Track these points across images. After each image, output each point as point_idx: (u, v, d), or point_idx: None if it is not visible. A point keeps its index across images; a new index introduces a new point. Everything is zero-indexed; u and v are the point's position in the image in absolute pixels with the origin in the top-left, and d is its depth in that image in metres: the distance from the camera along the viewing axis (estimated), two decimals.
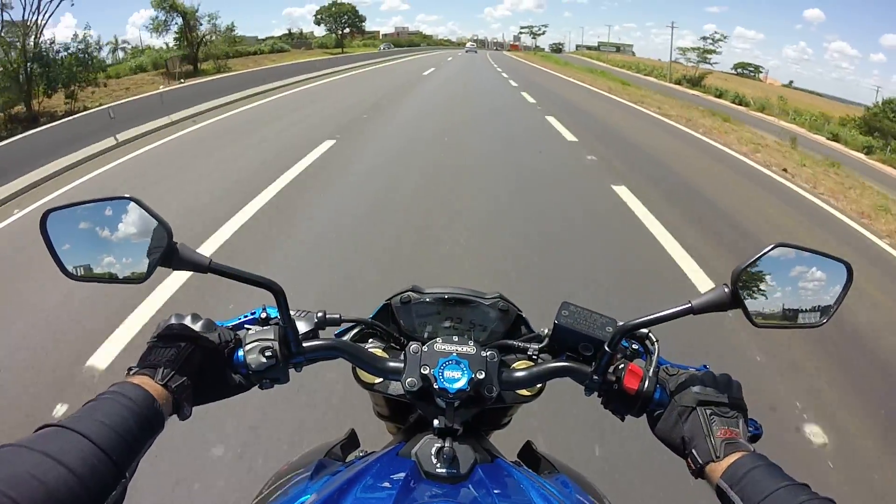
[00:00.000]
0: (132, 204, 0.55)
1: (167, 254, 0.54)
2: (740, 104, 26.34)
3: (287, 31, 61.27)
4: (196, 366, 0.56)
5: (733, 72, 54.91)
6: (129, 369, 0.55)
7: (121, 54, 27.92)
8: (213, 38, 27.09)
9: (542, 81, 21.91)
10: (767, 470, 0.49)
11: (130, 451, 0.46)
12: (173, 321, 0.59)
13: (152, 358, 0.55)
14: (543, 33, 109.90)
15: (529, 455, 0.77)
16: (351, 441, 0.78)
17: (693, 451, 0.55)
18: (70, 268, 0.56)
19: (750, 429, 0.58)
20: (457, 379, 0.59)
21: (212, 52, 26.53)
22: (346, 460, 0.72)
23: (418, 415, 0.69)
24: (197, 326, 0.59)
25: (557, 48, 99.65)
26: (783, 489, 0.47)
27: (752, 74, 55.36)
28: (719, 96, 28.90)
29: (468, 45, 79.21)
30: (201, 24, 26.31)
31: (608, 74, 28.12)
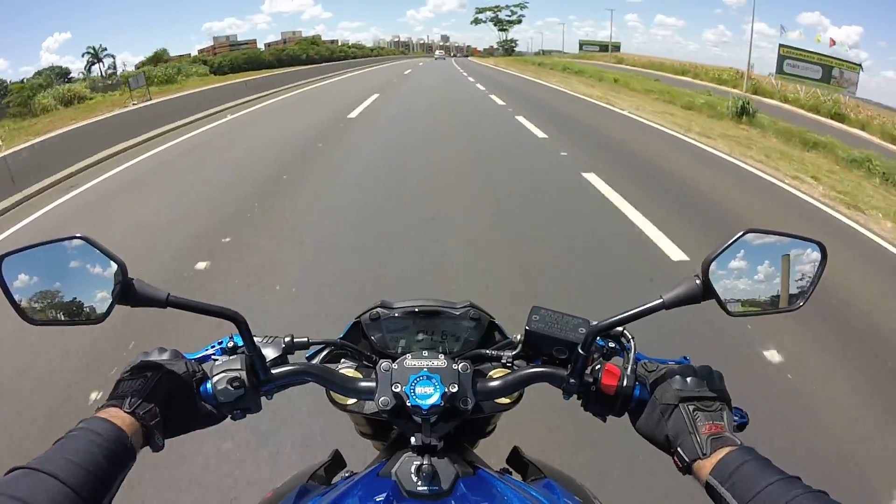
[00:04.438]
0: (84, 243, 0.54)
1: (123, 291, 0.54)
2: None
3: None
4: (164, 394, 0.56)
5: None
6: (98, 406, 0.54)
7: None
8: None
9: None
10: (757, 464, 0.48)
11: (101, 489, 0.45)
12: (140, 358, 0.59)
13: (120, 391, 0.55)
14: (519, 21, 68.18)
15: (517, 460, 0.76)
16: (336, 462, 0.76)
17: (679, 449, 0.54)
18: (29, 313, 0.55)
19: (735, 418, 0.57)
20: (429, 395, 0.58)
21: None
22: (332, 482, 0.71)
23: (399, 431, 0.68)
24: (163, 357, 0.59)
25: (510, 48, 68.62)
26: (775, 484, 0.45)
27: None
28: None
29: (437, 52, 69.94)
30: None
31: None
